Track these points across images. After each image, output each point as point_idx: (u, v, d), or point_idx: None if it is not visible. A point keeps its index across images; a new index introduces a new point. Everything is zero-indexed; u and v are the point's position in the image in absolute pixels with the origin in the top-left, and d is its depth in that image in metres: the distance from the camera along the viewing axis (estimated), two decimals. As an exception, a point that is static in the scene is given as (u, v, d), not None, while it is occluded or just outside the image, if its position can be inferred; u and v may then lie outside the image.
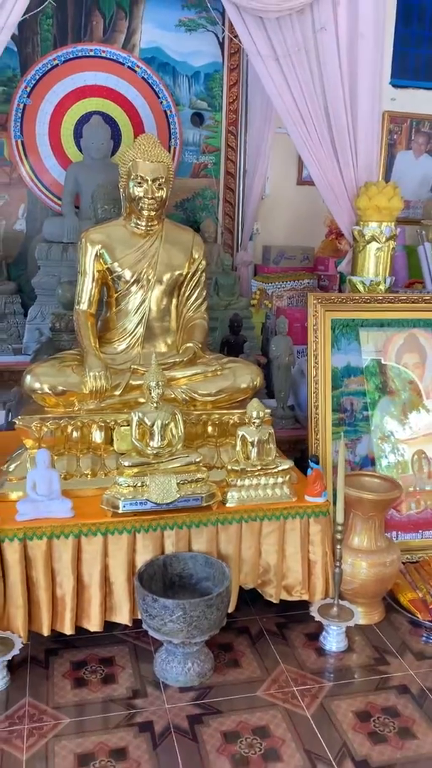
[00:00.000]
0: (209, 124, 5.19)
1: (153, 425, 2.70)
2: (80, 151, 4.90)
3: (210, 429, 2.98)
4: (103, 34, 4.94)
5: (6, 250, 4.99)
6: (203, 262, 3.17)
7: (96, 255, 3.01)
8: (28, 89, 4.86)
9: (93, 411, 2.88)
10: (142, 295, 3.04)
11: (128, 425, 2.86)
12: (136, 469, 2.64)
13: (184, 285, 3.14)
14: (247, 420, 2.80)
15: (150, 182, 2.91)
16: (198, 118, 5.19)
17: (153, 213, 2.98)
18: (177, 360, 2.99)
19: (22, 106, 4.87)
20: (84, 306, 3.05)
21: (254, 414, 2.76)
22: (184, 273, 3.11)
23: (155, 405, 2.71)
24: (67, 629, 2.59)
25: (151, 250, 3.04)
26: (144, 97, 5.05)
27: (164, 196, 2.97)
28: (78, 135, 4.93)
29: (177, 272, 3.09)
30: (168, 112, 5.10)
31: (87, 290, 3.04)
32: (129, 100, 5.02)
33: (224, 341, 4.24)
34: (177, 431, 2.73)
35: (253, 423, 2.77)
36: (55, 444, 2.84)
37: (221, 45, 5.10)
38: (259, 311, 4.91)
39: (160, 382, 2.70)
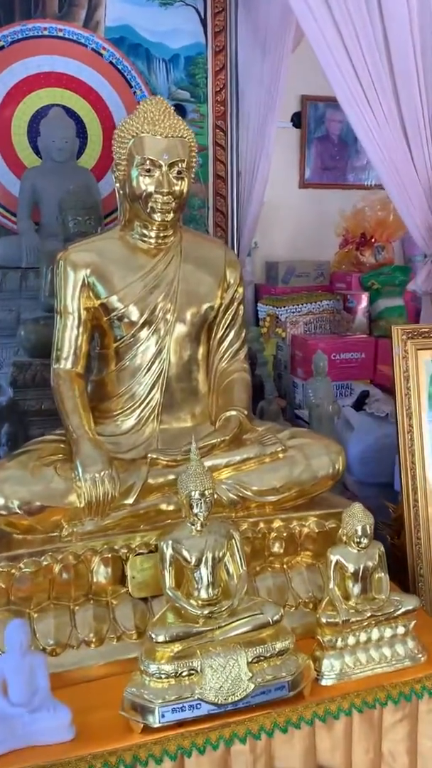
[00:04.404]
0: (193, 119, 4.04)
1: (199, 563, 1.53)
2: (38, 154, 3.73)
3: (275, 545, 1.83)
4: (58, 9, 3.76)
5: None
6: (240, 289, 2.02)
7: (83, 285, 1.82)
8: (-34, 78, 3.66)
9: (92, 534, 1.69)
10: (158, 343, 1.86)
11: (148, 552, 1.70)
12: (177, 646, 1.47)
13: (216, 323, 1.98)
14: (344, 538, 1.66)
15: (165, 168, 1.76)
16: (179, 112, 4.05)
17: (169, 217, 1.81)
18: (218, 440, 1.82)
19: (-41, 99, 3.66)
20: (67, 363, 1.85)
21: (358, 530, 1.62)
22: (216, 305, 1.95)
23: (199, 529, 1.55)
24: None
25: (168, 273, 1.87)
26: (113, 86, 3.87)
27: (184, 190, 1.81)
28: (34, 134, 3.75)
29: (206, 305, 1.92)
30: (143, 103, 3.95)
31: (70, 340, 1.85)
32: (95, 90, 3.84)
33: (237, 385, 3.10)
34: (236, 568, 1.58)
35: (356, 543, 1.64)
36: (34, 594, 1.64)
37: (203, 23, 3.98)
38: (269, 341, 3.80)
39: (207, 491, 1.54)
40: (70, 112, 3.76)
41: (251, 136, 3.86)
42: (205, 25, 3.96)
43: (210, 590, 1.53)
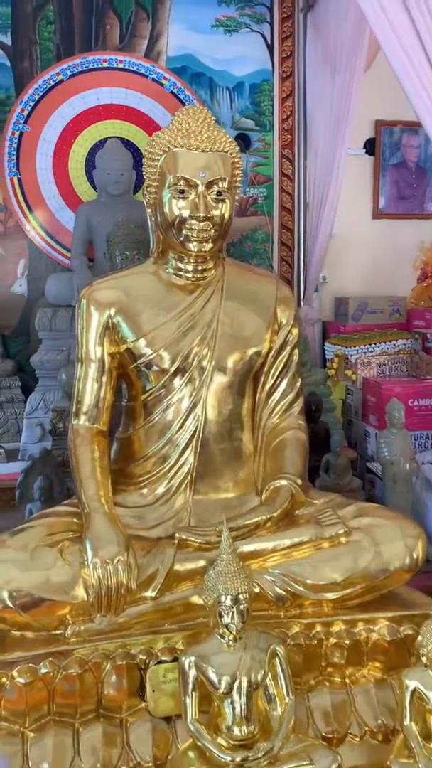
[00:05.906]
0: (258, 148, 3.80)
1: (230, 689, 1.16)
2: (95, 188, 3.55)
3: (334, 654, 1.42)
4: (119, 40, 3.62)
5: (2, 319, 3.58)
6: (294, 331, 1.66)
7: (106, 327, 1.52)
8: (26, 113, 3.53)
9: (103, 635, 1.35)
10: (192, 396, 1.53)
11: (173, 659, 1.33)
12: (198, 806, 1.10)
13: (265, 371, 1.64)
14: (424, 659, 1.24)
15: (201, 188, 1.45)
16: (243, 141, 3.79)
17: (206, 247, 1.49)
18: (263, 518, 1.46)
19: (18, 134, 3.52)
20: (87, 420, 1.54)
21: (442, 650, 1.21)
22: (264, 350, 1.60)
23: (231, 643, 1.19)
24: None
25: (205, 313, 1.54)
26: (174, 117, 3.68)
27: (226, 214, 1.50)
28: (91, 168, 3.58)
29: (251, 350, 1.58)
30: (205, 134, 3.71)
31: (92, 391, 1.55)
32: (155, 121, 3.64)
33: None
34: (280, 695, 1.20)
35: (440, 667, 1.22)
36: (30, 708, 1.31)
37: (269, 48, 3.74)
38: (338, 385, 3.40)
39: (242, 596, 1.18)
40: (129, 144, 3.57)
41: (320, 165, 3.57)
42: (271, 51, 3.72)
43: (244, 726, 1.15)
